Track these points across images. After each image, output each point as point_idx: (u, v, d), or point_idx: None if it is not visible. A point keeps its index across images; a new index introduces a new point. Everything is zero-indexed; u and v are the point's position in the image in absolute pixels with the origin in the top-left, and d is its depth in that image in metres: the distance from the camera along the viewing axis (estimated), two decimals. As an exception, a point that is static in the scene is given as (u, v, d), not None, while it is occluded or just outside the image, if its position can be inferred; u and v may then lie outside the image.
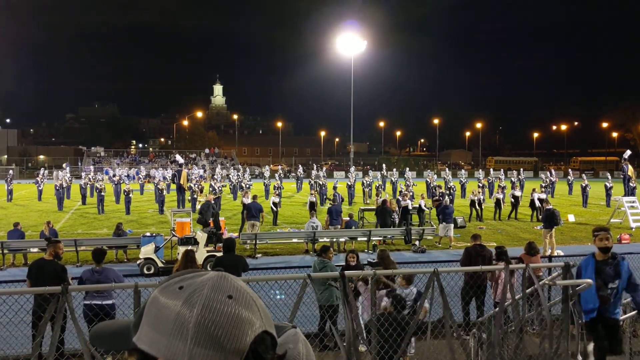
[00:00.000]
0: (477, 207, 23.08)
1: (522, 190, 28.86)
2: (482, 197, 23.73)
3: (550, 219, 15.44)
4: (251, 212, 17.39)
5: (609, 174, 32.71)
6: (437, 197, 20.70)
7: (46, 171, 40.61)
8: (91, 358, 3.87)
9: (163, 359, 0.80)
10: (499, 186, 27.16)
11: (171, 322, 0.80)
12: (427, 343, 6.74)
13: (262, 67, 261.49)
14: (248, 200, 18.91)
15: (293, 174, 51.28)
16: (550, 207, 16.02)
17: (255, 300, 0.86)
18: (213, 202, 17.44)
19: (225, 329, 0.78)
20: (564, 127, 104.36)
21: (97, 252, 7.88)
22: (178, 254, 12.36)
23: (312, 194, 21.96)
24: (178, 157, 23.69)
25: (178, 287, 0.84)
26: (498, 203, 23.60)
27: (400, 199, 19.75)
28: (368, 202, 30.11)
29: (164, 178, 38.32)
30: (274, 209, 21.83)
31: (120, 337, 0.90)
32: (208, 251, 13.16)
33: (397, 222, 18.48)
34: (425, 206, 20.23)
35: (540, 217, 19.67)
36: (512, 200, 23.96)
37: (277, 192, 24.23)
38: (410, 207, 19.22)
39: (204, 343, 0.78)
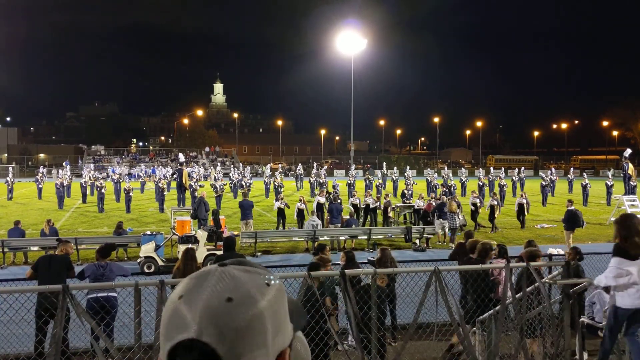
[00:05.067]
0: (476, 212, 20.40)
1: (522, 188, 28.64)
2: (478, 201, 20.74)
3: (571, 220, 15.36)
4: (244, 210, 17.48)
5: (609, 173, 32.68)
6: (437, 197, 20.66)
7: (46, 169, 40.61)
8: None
9: None
10: (500, 185, 27.10)
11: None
12: (427, 342, 6.75)
13: (263, 66, 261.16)
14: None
15: (293, 172, 51.23)
16: (572, 207, 15.81)
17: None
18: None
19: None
20: (564, 125, 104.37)
21: (106, 247, 7.88)
22: (178, 252, 12.37)
23: (320, 195, 20.17)
24: (180, 156, 23.69)
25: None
26: (492, 208, 20.26)
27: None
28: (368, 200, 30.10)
29: (164, 177, 38.34)
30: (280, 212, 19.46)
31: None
32: (208, 249, 13.18)
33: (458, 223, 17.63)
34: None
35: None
36: (488, 210, 20.41)
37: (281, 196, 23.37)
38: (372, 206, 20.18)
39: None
